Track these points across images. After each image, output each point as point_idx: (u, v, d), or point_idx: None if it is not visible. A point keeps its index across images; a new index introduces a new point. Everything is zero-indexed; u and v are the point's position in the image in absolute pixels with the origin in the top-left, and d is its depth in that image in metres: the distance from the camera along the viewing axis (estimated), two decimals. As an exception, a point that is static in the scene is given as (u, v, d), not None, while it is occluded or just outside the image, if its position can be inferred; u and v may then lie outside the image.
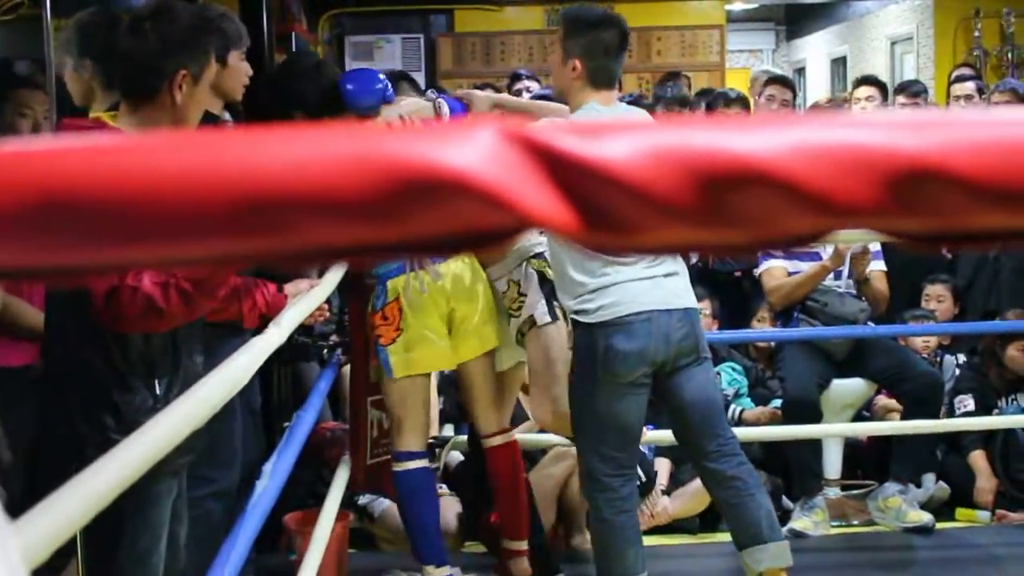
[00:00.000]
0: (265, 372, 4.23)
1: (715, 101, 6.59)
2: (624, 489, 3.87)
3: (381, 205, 0.62)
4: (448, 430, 5.39)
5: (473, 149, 0.62)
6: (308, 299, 3.26)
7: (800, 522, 5.08)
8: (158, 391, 2.73)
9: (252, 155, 0.64)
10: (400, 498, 4.30)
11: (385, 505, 5.01)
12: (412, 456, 4.13)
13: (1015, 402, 5.57)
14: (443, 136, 0.63)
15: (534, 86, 6.89)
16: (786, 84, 6.98)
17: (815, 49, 14.31)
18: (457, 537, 4.98)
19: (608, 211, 0.60)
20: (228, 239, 0.65)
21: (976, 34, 9.59)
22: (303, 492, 4.54)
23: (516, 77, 7.45)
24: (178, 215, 0.63)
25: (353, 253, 0.74)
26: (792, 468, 5.39)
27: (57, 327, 2.81)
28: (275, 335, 2.72)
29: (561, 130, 0.63)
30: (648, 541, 4.83)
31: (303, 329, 4.23)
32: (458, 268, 4.15)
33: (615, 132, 0.62)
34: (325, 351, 4.81)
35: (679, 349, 3.81)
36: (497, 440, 4.26)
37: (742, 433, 5.04)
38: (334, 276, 3.58)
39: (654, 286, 3.80)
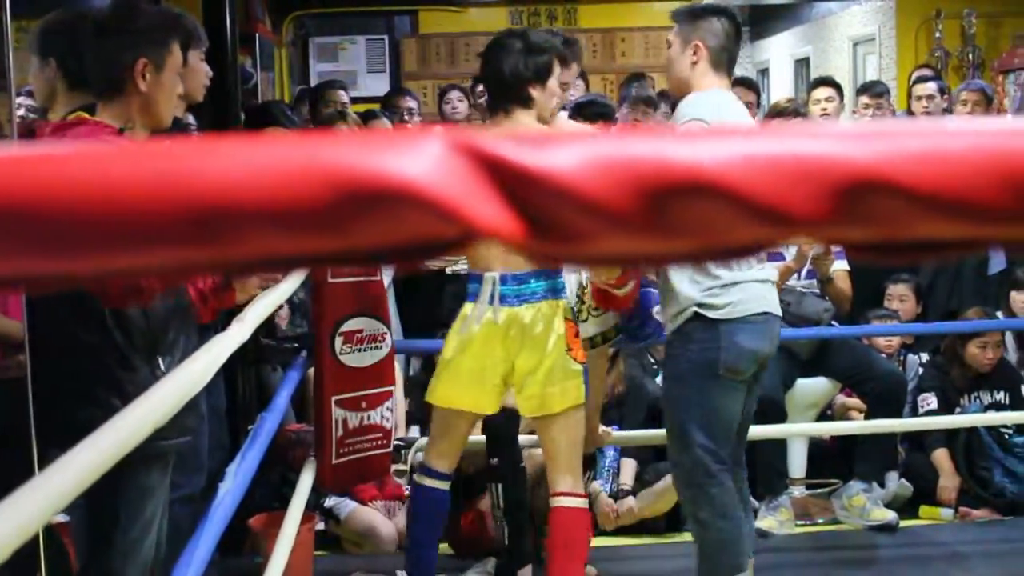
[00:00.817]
0: (230, 373, 4.23)
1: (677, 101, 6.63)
2: (730, 482, 3.86)
3: (327, 215, 0.62)
4: (414, 431, 5.37)
5: (420, 159, 0.62)
6: (270, 297, 3.23)
7: (765, 521, 5.10)
8: (162, 367, 2.77)
9: (198, 164, 0.63)
10: (411, 509, 4.26)
11: (352, 507, 5.00)
12: (435, 475, 4.05)
13: (977, 400, 5.63)
14: (390, 146, 0.63)
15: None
16: (749, 86, 7.01)
17: (778, 50, 14.37)
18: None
19: (554, 221, 0.60)
20: (174, 249, 0.64)
21: (938, 35, 9.65)
22: (268, 494, 4.53)
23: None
24: (123, 225, 0.62)
25: (300, 263, 0.73)
26: (757, 468, 5.34)
27: (47, 312, 2.79)
28: (238, 332, 2.73)
29: (508, 140, 0.63)
30: (613, 542, 4.87)
31: (268, 331, 4.23)
32: (529, 314, 3.86)
33: (562, 142, 0.62)
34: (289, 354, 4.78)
35: (771, 354, 3.93)
36: (567, 501, 3.99)
37: None
38: (296, 277, 3.58)
39: (769, 289, 3.88)
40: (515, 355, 3.81)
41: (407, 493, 5.06)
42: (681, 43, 3.94)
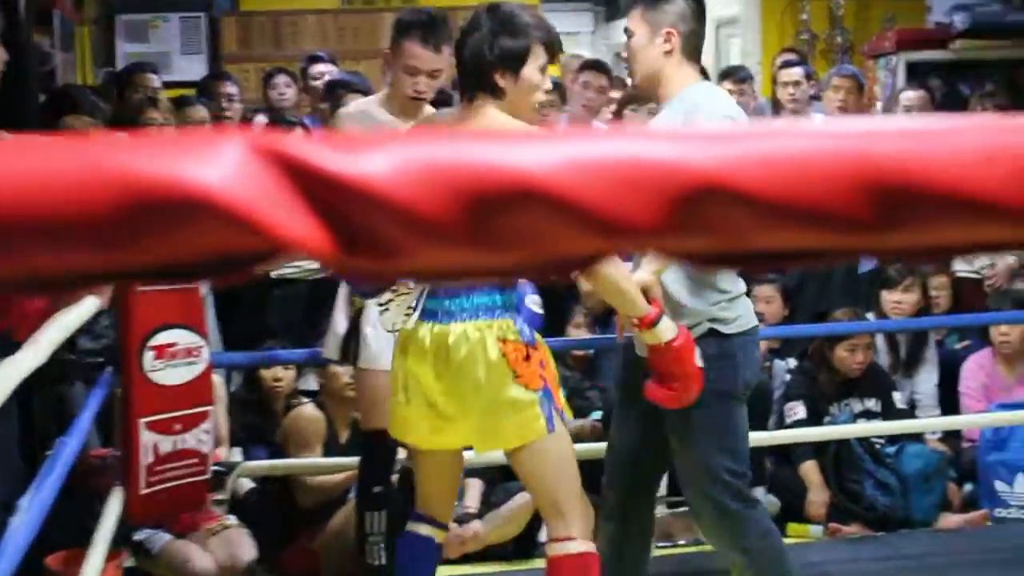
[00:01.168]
0: (23, 395, 4.05)
1: None
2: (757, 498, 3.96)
3: (114, 227, 0.60)
4: (237, 455, 5.28)
5: (219, 164, 0.61)
6: (71, 315, 3.13)
7: None
8: None
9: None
10: (397, 557, 4.07)
11: (165, 540, 4.85)
12: (423, 520, 3.91)
13: (847, 408, 5.73)
14: (185, 150, 0.62)
15: (332, 70, 6.93)
16: (601, 69, 7.13)
17: (634, 31, 14.64)
18: (250, 574, 4.94)
19: (367, 233, 0.60)
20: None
21: (804, 17, 9.85)
22: (70, 529, 4.38)
23: (313, 60, 7.45)
24: None
25: (86, 281, 0.71)
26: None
27: None
28: (30, 356, 2.66)
29: (317, 144, 0.62)
30: (458, 571, 4.88)
31: (67, 345, 4.12)
32: (454, 336, 3.60)
33: (376, 145, 0.61)
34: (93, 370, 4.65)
35: None
36: (555, 549, 3.71)
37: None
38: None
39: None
40: (443, 382, 3.62)
41: (230, 522, 4.96)
42: (649, 31, 3.80)
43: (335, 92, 5.90)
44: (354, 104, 4.53)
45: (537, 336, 3.71)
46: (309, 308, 5.70)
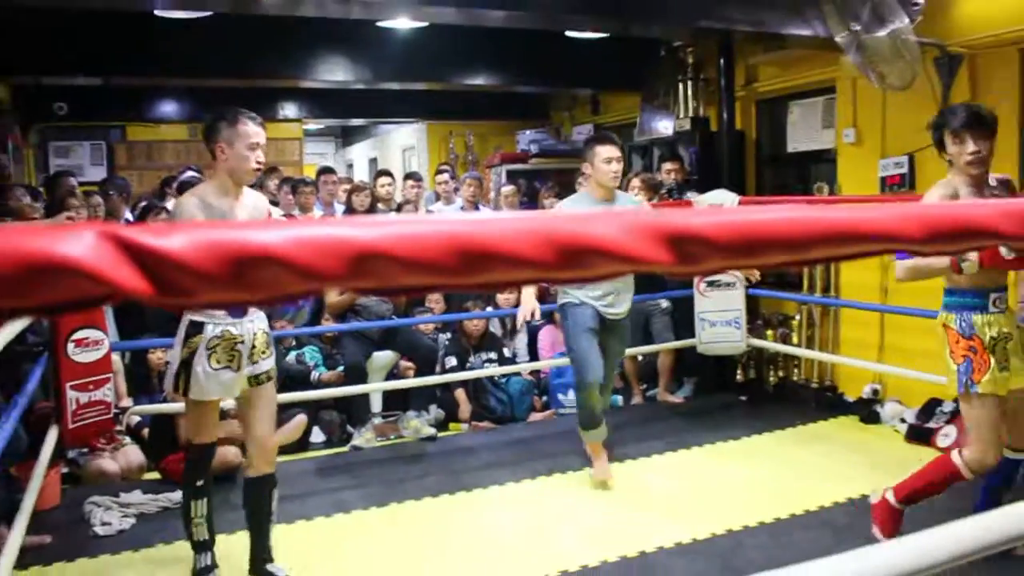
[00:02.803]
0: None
1: (296, 185, 6.81)
2: None
3: (17, 282, 0.57)
4: (128, 402, 5.23)
5: (80, 243, 0.58)
6: (17, 323, 2.97)
7: (358, 440, 5.36)
8: None
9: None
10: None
11: (86, 456, 4.84)
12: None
13: (479, 356, 6.03)
14: (60, 235, 0.58)
15: (191, 175, 6.93)
16: (332, 172, 7.42)
17: (359, 152, 15.01)
18: (139, 472, 4.91)
19: (171, 282, 0.57)
20: None
21: (451, 145, 10.26)
22: (29, 450, 4.21)
23: (184, 170, 7.47)
24: None
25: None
26: (352, 406, 5.61)
27: None
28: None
29: (140, 229, 0.59)
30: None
31: (18, 339, 3.96)
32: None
33: (176, 230, 0.58)
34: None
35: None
36: None
37: (322, 393, 5.31)
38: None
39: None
40: None
41: (126, 443, 4.97)
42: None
43: (184, 186, 5.95)
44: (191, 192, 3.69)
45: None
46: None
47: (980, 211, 0.62)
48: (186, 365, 3.27)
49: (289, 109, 9.34)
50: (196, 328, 3.28)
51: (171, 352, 3.39)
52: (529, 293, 4.61)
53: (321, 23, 5.54)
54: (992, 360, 3.20)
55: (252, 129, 3.18)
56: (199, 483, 3.42)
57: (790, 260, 0.54)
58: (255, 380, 3.38)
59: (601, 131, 5.00)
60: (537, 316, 4.59)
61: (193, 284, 0.56)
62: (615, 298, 4.54)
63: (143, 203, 6.58)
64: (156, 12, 5.24)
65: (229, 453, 4.50)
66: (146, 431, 5.08)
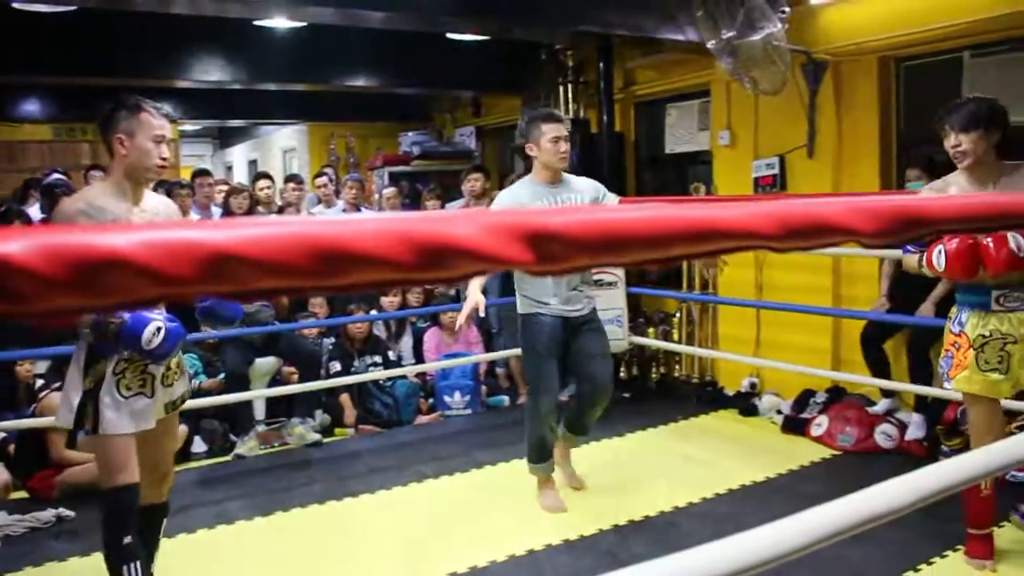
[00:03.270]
0: None
1: (171, 188, 6.48)
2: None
3: None
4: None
5: None
6: None
7: (241, 449, 5.29)
8: None
9: None
10: None
11: None
12: None
13: (364, 359, 5.97)
14: None
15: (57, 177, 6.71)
16: (208, 174, 7.24)
17: (239, 155, 14.71)
18: (4, 492, 4.65)
19: (9, 289, 0.54)
20: None
21: (332, 147, 10.12)
22: None
23: (49, 172, 7.24)
24: None
25: None
26: (234, 414, 5.50)
27: None
28: None
29: None
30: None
31: None
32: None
33: (18, 234, 0.56)
34: None
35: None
36: None
37: (203, 402, 5.07)
38: None
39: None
40: None
41: None
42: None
43: (49, 190, 5.95)
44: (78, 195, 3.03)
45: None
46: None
47: (832, 208, 0.65)
48: (92, 396, 2.78)
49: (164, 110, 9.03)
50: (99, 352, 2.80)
51: (68, 382, 2.83)
52: (475, 286, 4.06)
53: (196, 21, 5.38)
54: (973, 358, 3.10)
55: (156, 120, 2.79)
56: (125, 541, 2.74)
57: (652, 257, 0.55)
58: (171, 405, 2.97)
59: (544, 108, 4.46)
60: (481, 311, 4.01)
61: (34, 290, 0.52)
62: (577, 293, 4.03)
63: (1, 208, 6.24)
64: (13, 4, 4.97)
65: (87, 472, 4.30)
66: (12, 447, 4.87)
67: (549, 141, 3.87)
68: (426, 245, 0.50)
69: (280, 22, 5.96)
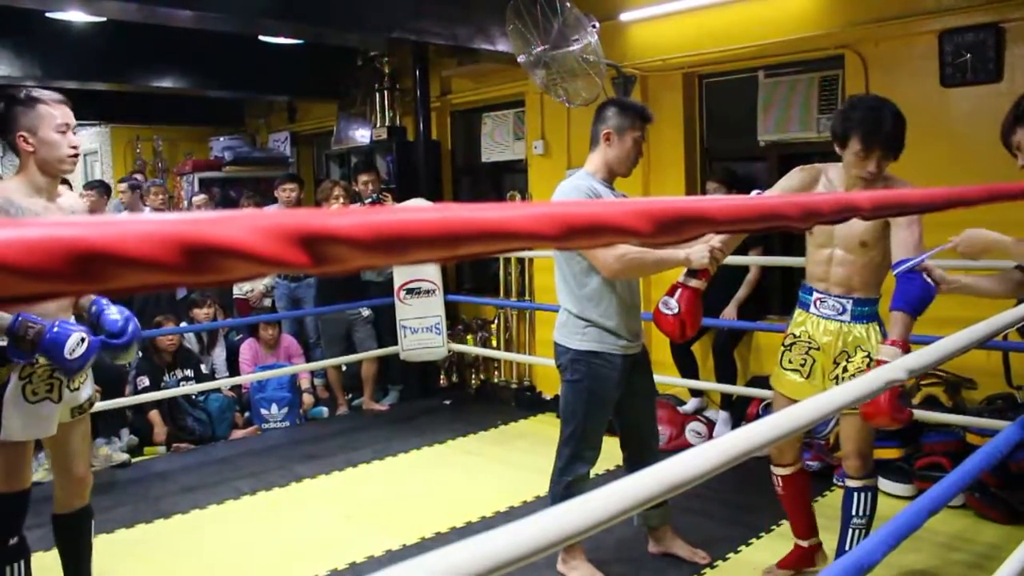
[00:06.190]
0: None
1: None
2: None
3: None
4: None
5: None
6: None
7: (38, 475, 4.41)
8: None
9: None
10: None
11: None
12: None
13: (174, 374, 5.74)
14: None
15: None
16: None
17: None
18: None
19: None
20: None
21: (138, 151, 9.64)
22: None
23: None
24: None
25: None
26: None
27: None
28: None
29: None
30: None
31: None
32: None
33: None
34: None
35: None
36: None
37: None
38: None
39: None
40: None
41: None
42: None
43: None
44: None
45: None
46: None
47: (614, 210, 0.68)
48: None
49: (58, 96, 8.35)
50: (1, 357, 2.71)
51: None
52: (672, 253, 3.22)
53: (-21, 12, 5.01)
54: (779, 355, 3.14)
55: (56, 109, 2.68)
56: (11, 542, 2.80)
57: (437, 256, 0.57)
58: (78, 410, 2.90)
59: (642, 103, 3.59)
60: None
61: (14, 283, 0.47)
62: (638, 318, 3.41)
63: None
64: None
65: None
66: None
67: (635, 142, 3.31)
68: (194, 247, 0.48)
69: (76, 15, 5.62)
